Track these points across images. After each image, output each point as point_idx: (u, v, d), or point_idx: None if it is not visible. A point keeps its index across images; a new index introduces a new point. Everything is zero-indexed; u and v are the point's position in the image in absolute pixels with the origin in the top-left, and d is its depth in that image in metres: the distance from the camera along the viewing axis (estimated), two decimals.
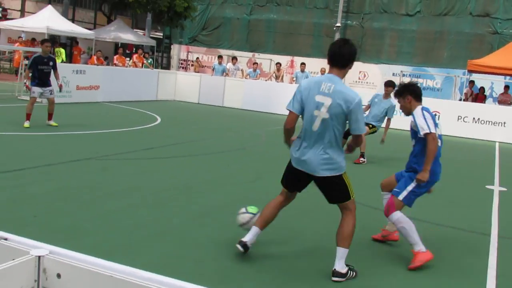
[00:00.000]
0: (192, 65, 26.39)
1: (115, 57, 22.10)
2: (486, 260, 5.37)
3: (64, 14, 28.31)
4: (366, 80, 26.89)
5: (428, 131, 4.93)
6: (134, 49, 30.49)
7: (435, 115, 17.43)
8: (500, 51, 20.36)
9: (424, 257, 4.95)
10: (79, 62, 23.58)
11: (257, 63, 22.84)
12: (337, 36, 26.76)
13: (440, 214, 7.21)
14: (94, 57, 20.77)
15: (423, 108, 5.16)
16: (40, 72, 11.21)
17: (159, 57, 33.29)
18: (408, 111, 5.25)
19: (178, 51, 31.81)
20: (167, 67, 31.70)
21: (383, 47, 27.68)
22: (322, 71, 20.96)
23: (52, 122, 11.57)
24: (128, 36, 28.03)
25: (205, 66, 28.42)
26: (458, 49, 25.63)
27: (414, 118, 5.10)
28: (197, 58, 26.69)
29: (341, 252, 4.49)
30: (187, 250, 4.92)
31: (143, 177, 7.67)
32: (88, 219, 5.54)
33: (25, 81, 11.93)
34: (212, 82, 20.85)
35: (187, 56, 30.98)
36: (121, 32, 27.59)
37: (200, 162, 9.33)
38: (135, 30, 32.96)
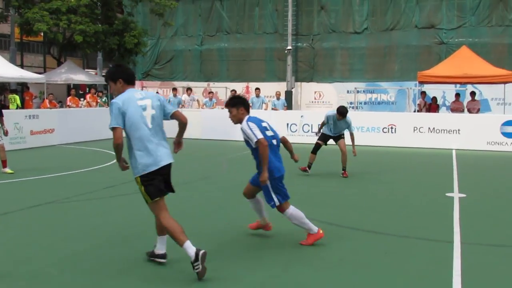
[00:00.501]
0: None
1: (68, 98, 21.81)
2: (451, 268, 5.39)
3: (12, 60, 27.85)
4: (322, 100, 27.27)
5: (255, 139, 5.71)
6: (87, 89, 30.16)
7: (391, 127, 17.88)
8: (448, 60, 20.97)
9: (316, 236, 6.06)
10: (32, 107, 23.15)
11: (212, 92, 22.89)
12: (289, 59, 27.14)
13: (403, 225, 7.26)
14: (46, 101, 20.45)
15: (248, 119, 5.93)
16: None
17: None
18: (238, 121, 6.01)
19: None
20: None
21: (335, 66, 28.18)
22: (278, 95, 21.16)
23: (7, 170, 11.26)
24: (80, 77, 27.72)
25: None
26: (408, 62, 26.31)
27: (244, 131, 5.83)
28: (157, 92, 26.52)
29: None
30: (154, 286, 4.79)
31: (107, 216, 7.50)
32: (52, 264, 5.36)
33: None
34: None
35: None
36: (72, 73, 27.27)
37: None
38: (86, 70, 32.67)
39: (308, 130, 18.52)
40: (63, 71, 27.53)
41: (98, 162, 13.31)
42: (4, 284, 4.64)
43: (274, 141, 6.02)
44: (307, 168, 11.60)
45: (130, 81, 5.31)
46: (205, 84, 29.53)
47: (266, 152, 5.70)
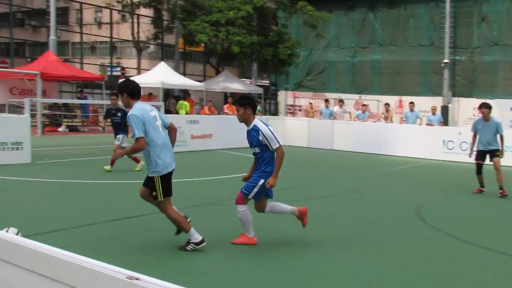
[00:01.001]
0: (300, 110, 26.70)
1: (225, 106, 22.93)
2: None
3: (176, 69, 29.96)
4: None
5: (278, 145, 6.21)
6: None
7: None
8: None
9: (248, 240, 6.38)
10: (192, 113, 24.68)
11: (366, 105, 22.67)
12: (446, 73, 26.10)
13: None
14: (206, 107, 21.67)
15: (265, 123, 6.39)
16: (111, 122, 12.28)
17: (267, 103, 34.09)
18: (243, 120, 6.42)
19: (284, 97, 32.43)
20: (275, 113, 32.35)
21: (497, 81, 26.51)
22: (433, 109, 20.40)
23: (106, 167, 12.12)
24: (236, 86, 29.03)
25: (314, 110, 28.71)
26: None
27: (264, 133, 6.21)
28: (310, 103, 27.00)
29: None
30: None
31: (263, 222, 7.79)
32: (210, 261, 5.70)
33: (102, 125, 12.93)
34: (321, 126, 20.91)
35: (294, 102, 31.47)
36: (229, 82, 28.67)
37: (315, 206, 9.32)
38: (242, 79, 34.09)
39: (466, 149, 17.62)
40: (221, 80, 29.04)
41: None
42: (168, 278, 5.00)
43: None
44: (481, 188, 11.04)
45: (134, 96, 5.97)
46: (356, 96, 29.38)
47: (283, 158, 6.21)
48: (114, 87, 29.97)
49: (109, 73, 33.21)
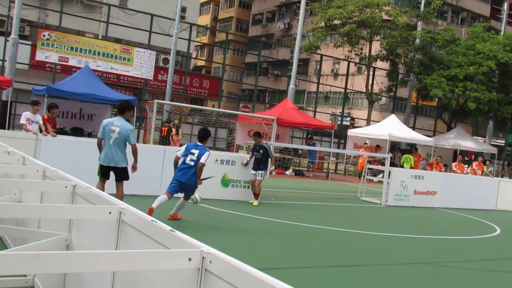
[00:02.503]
0: None
1: (454, 164, 22.02)
2: None
3: (406, 122, 29.77)
4: None
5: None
6: (473, 156, 29.82)
7: None
8: None
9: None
10: (418, 168, 24.19)
11: None
12: None
13: None
14: (434, 163, 21.07)
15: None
16: (254, 157, 12.94)
17: (499, 164, 31.74)
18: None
19: None
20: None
21: None
22: None
23: (254, 201, 12.64)
24: (468, 143, 27.68)
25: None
26: None
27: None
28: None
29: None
30: None
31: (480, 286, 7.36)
32: None
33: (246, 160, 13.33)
34: None
35: None
36: (460, 139, 27.48)
37: None
38: (475, 137, 32.37)
39: None
40: (452, 136, 27.98)
41: (475, 232, 13.05)
42: None
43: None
44: None
45: (119, 112, 9.32)
46: None
47: None
48: (342, 136, 30.94)
49: (339, 122, 34.36)
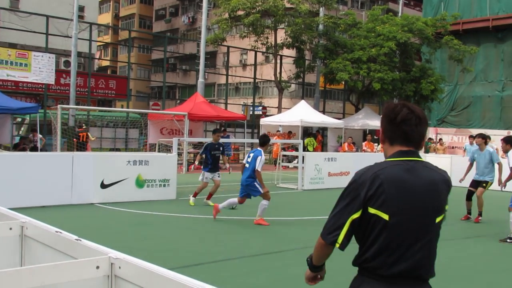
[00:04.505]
0: (441, 144, 25.71)
1: (364, 143, 22.78)
2: None
3: (316, 106, 30.42)
4: None
5: None
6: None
7: None
8: None
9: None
10: (320, 150, 24.88)
11: None
12: None
13: None
14: (345, 144, 21.69)
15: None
16: (213, 156, 12.35)
17: None
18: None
19: (426, 133, 31.43)
20: None
21: None
22: None
23: (209, 202, 12.32)
24: (376, 123, 28.69)
25: (455, 147, 27.47)
26: None
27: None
28: (440, 139, 25.97)
29: None
30: None
31: None
32: None
33: (196, 162, 13.13)
34: (465, 164, 19.87)
35: (436, 138, 30.36)
36: (368, 119, 28.45)
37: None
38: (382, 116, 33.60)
39: None
40: (360, 117, 28.93)
41: None
42: None
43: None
44: (468, 215, 11.76)
45: None
46: (504, 132, 27.56)
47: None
48: (255, 125, 31.20)
49: (251, 112, 34.60)
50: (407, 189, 2.46)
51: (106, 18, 60.54)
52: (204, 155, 12.44)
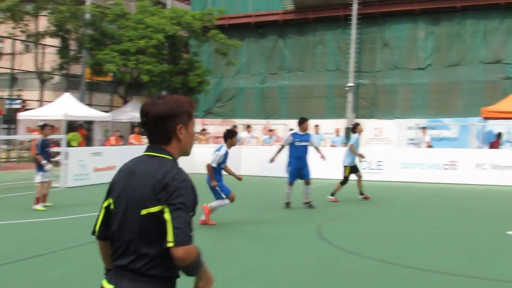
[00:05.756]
0: (203, 135, 26.60)
1: (131, 136, 22.48)
2: None
3: (81, 99, 29.11)
4: (382, 136, 26.80)
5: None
6: None
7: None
8: None
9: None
10: (83, 144, 24.06)
11: (272, 130, 22.93)
12: (350, 96, 27.01)
13: (460, 264, 6.96)
14: (112, 138, 21.13)
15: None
16: (47, 154, 11.97)
17: None
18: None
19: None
20: None
21: (397, 102, 27.75)
22: (337, 131, 20.99)
23: (38, 207, 11.88)
24: None
25: (221, 137, 28.73)
26: (472, 97, 25.51)
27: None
28: (203, 129, 27.00)
29: None
30: None
31: None
32: None
33: (43, 162, 11.94)
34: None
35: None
36: (136, 112, 28.11)
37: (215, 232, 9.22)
38: None
39: (367, 167, 18.18)
40: (128, 109, 28.50)
41: None
42: None
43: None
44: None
45: None
46: (264, 121, 29.74)
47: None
48: (13, 120, 28.71)
49: (7, 106, 31.67)
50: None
51: None
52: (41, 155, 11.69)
